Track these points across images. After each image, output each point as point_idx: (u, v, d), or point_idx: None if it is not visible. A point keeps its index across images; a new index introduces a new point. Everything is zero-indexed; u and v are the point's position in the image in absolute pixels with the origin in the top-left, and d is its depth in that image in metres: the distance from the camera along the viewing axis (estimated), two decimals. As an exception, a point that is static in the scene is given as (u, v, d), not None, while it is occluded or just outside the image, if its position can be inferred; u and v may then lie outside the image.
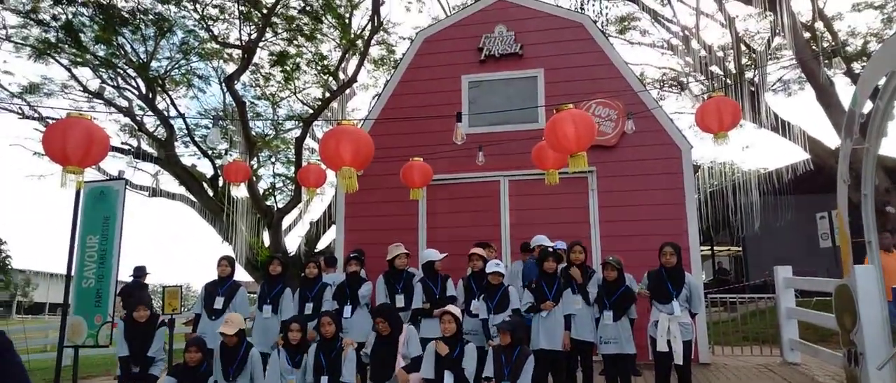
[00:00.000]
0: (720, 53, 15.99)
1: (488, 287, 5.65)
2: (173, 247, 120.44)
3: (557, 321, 5.46)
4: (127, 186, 7.98)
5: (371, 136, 5.48)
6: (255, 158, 18.32)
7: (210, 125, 7.70)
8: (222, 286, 6.24)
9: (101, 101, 15.75)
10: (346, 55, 16.21)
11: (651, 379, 6.29)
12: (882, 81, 5.10)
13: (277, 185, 20.85)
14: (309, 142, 16.37)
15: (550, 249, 5.80)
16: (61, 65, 14.72)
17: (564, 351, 5.48)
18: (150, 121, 17.42)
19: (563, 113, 4.82)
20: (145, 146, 17.31)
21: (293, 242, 17.71)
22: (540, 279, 5.65)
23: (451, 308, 5.13)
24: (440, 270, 6.16)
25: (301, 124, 15.95)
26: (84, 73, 15.91)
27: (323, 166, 7.55)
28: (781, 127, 14.18)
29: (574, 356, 5.64)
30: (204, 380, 5.08)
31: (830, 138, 17.58)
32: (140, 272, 9.20)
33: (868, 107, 6.18)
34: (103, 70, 15.31)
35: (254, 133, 16.95)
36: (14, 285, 45.50)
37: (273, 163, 20.62)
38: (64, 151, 4.63)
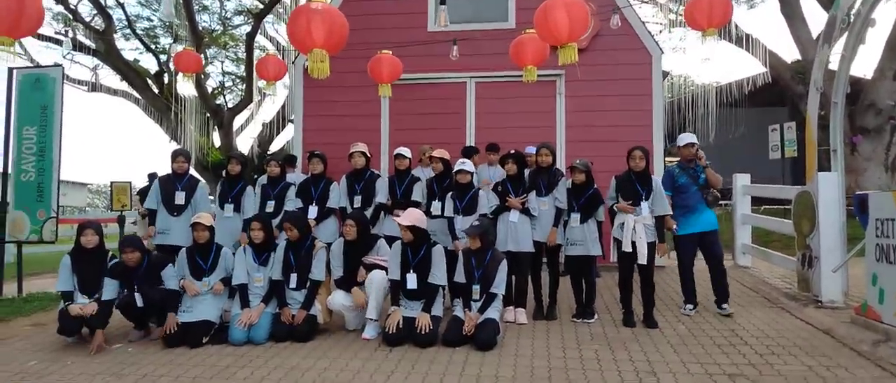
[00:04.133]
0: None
1: (457, 187, 5.51)
2: (115, 144, 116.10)
3: (524, 222, 5.41)
4: (64, 77, 7.38)
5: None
6: (203, 55, 17.33)
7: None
8: (180, 181, 5.87)
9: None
10: (302, -56, 15.11)
11: (611, 281, 6.43)
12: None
13: (227, 84, 19.96)
14: (260, 39, 15.50)
15: (512, 151, 5.67)
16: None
17: (529, 253, 5.46)
18: (86, 10, 16.11)
19: (555, -1, 4.43)
20: (82, 37, 16.07)
21: (245, 143, 17.17)
22: (505, 181, 5.55)
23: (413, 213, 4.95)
24: (409, 170, 5.98)
25: (252, 19, 15.03)
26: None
27: (287, 56, 7.05)
28: (744, 40, 14.16)
29: (539, 258, 5.65)
30: (146, 280, 4.84)
31: (787, 52, 17.74)
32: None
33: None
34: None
35: (201, 28, 15.89)
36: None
37: (221, 62, 19.63)
38: (-10, 19, 4.07)
